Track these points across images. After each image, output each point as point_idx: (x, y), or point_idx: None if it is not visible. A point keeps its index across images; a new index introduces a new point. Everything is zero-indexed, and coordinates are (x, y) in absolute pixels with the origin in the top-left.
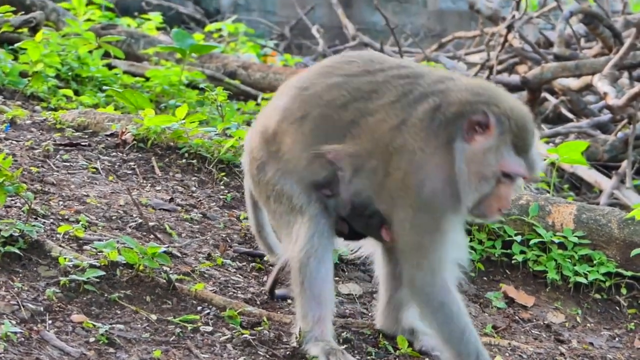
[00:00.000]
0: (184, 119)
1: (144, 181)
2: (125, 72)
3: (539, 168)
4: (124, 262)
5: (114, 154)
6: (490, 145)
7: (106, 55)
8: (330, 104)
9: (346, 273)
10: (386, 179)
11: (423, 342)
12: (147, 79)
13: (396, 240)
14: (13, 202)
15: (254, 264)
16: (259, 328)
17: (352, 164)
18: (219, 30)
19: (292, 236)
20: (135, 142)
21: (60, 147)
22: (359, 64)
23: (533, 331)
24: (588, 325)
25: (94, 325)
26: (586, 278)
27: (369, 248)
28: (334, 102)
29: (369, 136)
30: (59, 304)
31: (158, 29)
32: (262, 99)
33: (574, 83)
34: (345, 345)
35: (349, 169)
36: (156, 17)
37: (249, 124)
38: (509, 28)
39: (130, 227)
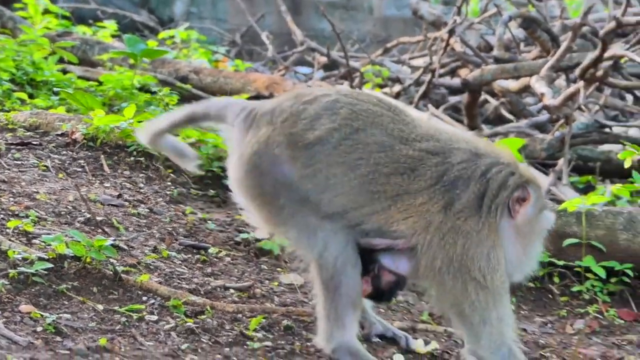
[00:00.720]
0: (132, 118)
1: (93, 178)
2: (79, 77)
3: None
4: (72, 254)
5: (64, 152)
6: (533, 214)
7: (61, 61)
8: (378, 166)
9: (288, 264)
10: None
11: (372, 330)
12: (101, 84)
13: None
14: None
15: (198, 256)
16: (203, 317)
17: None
18: (172, 37)
19: (318, 241)
20: (85, 141)
21: (12, 147)
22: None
23: None
24: (522, 312)
25: (42, 315)
26: None
27: None
28: (381, 166)
29: (416, 215)
30: (7, 296)
31: (113, 36)
32: None
33: (513, 85)
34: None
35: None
36: (111, 25)
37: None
38: (451, 33)
39: (78, 221)
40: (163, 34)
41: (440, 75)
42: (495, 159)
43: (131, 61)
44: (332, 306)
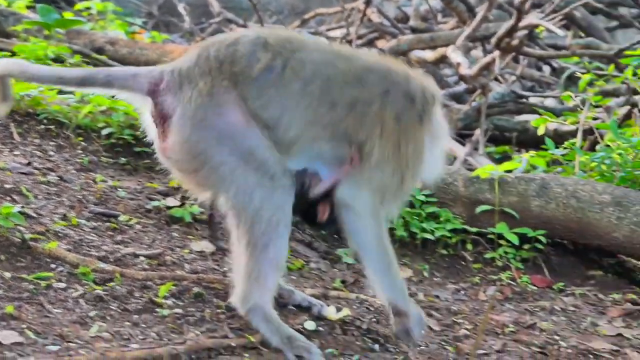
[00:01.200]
0: (42, 86)
1: (2, 146)
2: None
3: None
4: None
5: None
6: (440, 120)
7: None
8: (330, 79)
9: (199, 231)
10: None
11: (290, 299)
12: (15, 54)
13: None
14: None
15: (108, 223)
16: (112, 284)
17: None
18: (88, 9)
19: (255, 198)
20: None
21: None
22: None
23: None
24: (435, 279)
25: None
26: (433, 235)
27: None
28: (332, 79)
29: (371, 121)
30: None
31: (28, 7)
32: None
33: (429, 55)
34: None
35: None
36: None
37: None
38: (368, 3)
39: None
40: (79, 5)
41: (358, 47)
42: (413, 76)
43: (46, 32)
44: (255, 266)
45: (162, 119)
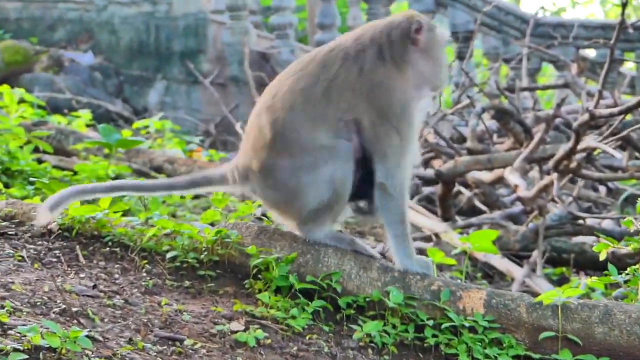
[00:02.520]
0: (107, 209)
1: (69, 269)
2: (54, 167)
3: None
4: (47, 345)
5: (39, 242)
6: (431, 34)
7: (37, 150)
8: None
9: (263, 356)
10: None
11: None
12: (75, 173)
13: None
14: None
15: (174, 347)
16: None
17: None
18: (147, 127)
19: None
20: (60, 231)
21: None
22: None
23: None
24: None
25: None
26: None
27: None
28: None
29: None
30: None
31: (87, 126)
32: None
33: (486, 176)
34: None
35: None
36: (86, 115)
37: (173, 215)
38: (424, 124)
39: (54, 312)
40: (137, 123)
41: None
42: (380, 24)
43: (106, 151)
44: None
45: None
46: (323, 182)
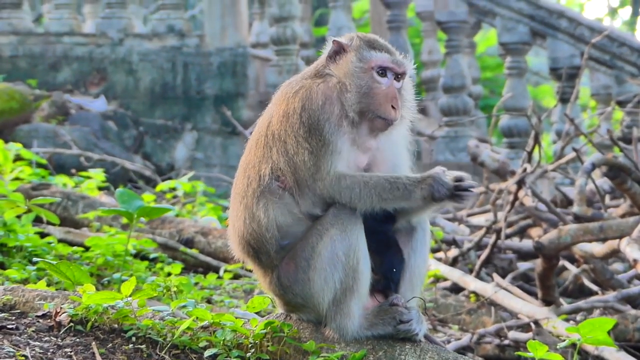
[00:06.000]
0: (130, 295)
1: None
2: (60, 241)
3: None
4: None
5: (46, 338)
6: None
7: (38, 220)
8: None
9: None
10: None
11: None
12: (87, 249)
13: None
14: None
15: None
16: None
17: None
18: (173, 189)
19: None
20: (72, 324)
21: None
22: None
23: None
24: None
25: None
26: None
27: None
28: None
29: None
30: None
31: (100, 188)
32: (225, 271)
33: (597, 249)
34: None
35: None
36: (98, 175)
37: (209, 301)
38: (520, 184)
39: None
40: (162, 185)
41: (507, 237)
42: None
43: (124, 221)
44: None
45: None
46: (327, 263)
